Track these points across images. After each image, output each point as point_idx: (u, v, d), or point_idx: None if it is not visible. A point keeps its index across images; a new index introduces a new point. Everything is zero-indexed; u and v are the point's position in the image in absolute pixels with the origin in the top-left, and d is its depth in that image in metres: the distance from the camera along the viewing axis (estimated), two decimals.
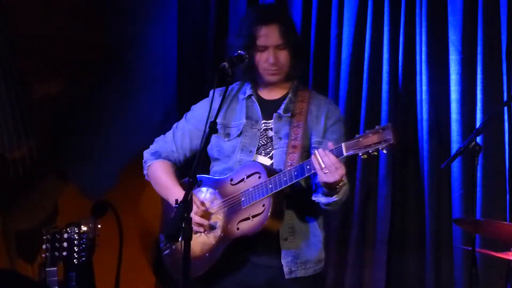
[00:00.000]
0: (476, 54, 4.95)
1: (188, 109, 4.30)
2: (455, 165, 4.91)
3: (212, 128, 3.76)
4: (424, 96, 5.05)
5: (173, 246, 4.11)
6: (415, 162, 5.11)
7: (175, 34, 5.90)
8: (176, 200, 3.61)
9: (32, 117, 5.68)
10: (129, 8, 5.93)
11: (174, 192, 4.07)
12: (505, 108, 4.85)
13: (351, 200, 5.22)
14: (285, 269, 3.98)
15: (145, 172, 4.25)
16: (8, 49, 5.61)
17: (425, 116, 5.04)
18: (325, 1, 5.33)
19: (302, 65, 4.14)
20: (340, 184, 3.81)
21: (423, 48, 5.05)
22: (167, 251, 4.15)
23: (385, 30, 5.15)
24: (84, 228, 4.72)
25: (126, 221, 5.67)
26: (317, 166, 3.75)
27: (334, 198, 3.87)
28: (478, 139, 4.30)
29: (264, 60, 4.04)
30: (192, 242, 3.53)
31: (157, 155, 4.21)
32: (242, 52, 3.96)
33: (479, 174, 4.83)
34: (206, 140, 3.75)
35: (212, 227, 4.01)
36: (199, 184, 3.65)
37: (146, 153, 4.25)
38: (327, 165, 3.73)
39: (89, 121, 5.81)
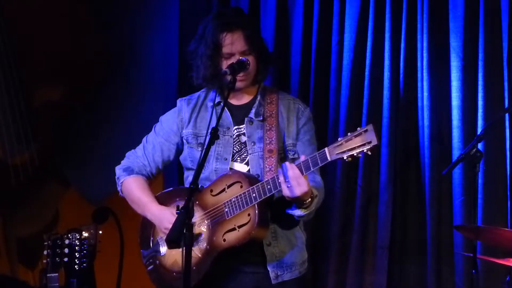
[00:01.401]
0: (477, 61, 4.95)
1: None
2: (456, 172, 4.91)
3: (213, 134, 3.72)
4: (425, 103, 5.05)
5: (157, 261, 4.04)
6: (416, 169, 5.11)
7: (177, 38, 5.88)
8: (178, 206, 3.60)
9: (33, 122, 5.69)
10: (130, 13, 5.92)
11: (150, 209, 4.05)
12: (507, 114, 4.84)
13: (352, 206, 5.23)
14: (271, 274, 3.95)
15: (118, 188, 4.19)
16: (9, 55, 5.62)
17: (426, 122, 5.04)
18: (327, 8, 5.32)
19: (268, 69, 4.10)
20: (308, 201, 3.78)
21: (424, 55, 5.05)
22: (150, 267, 4.08)
23: (386, 36, 5.15)
24: (85, 234, 4.72)
25: (127, 227, 5.65)
26: (281, 178, 3.73)
27: (305, 212, 3.82)
28: (480, 146, 4.31)
29: None
30: (178, 257, 3.47)
31: (129, 171, 4.16)
32: (243, 58, 3.94)
33: (480, 181, 4.83)
34: (208, 146, 3.71)
35: (196, 240, 3.91)
36: (200, 190, 3.63)
37: (118, 169, 4.19)
38: (290, 179, 3.70)
39: (90, 126, 5.81)
